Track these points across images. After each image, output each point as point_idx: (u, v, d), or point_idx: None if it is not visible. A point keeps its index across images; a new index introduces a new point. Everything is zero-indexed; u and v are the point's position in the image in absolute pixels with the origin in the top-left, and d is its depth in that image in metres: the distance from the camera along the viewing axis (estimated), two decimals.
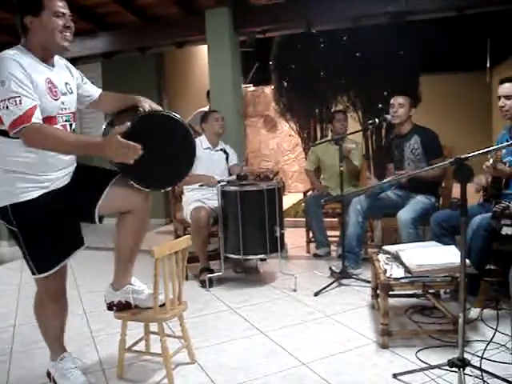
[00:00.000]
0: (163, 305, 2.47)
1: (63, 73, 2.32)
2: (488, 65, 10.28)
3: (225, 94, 5.28)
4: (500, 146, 2.17)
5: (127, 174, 2.29)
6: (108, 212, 2.42)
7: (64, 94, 2.27)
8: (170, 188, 2.45)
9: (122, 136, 2.07)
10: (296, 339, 2.98)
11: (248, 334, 3.10)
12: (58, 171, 2.27)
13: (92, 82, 2.57)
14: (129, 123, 2.15)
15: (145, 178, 2.32)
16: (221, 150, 4.41)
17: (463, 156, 2.00)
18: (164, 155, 2.29)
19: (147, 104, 2.36)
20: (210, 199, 4.19)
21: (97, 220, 2.38)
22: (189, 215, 4.12)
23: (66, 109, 2.27)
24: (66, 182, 2.33)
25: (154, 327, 2.66)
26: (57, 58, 2.31)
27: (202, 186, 4.17)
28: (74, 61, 6.44)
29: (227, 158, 4.37)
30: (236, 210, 3.81)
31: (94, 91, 2.54)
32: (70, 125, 2.31)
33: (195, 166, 4.26)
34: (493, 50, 10.10)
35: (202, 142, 4.44)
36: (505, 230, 1.81)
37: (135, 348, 2.68)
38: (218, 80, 5.31)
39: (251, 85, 10.03)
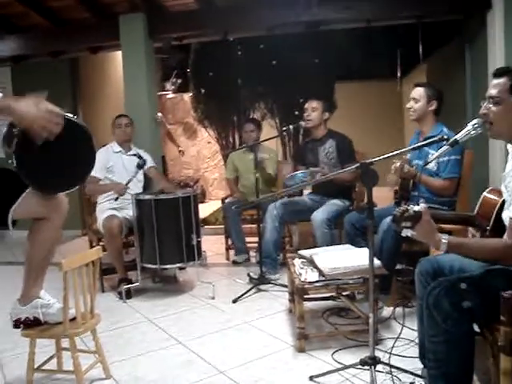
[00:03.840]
0: (74, 319, 2.37)
1: None
2: (399, 74, 10.77)
3: (140, 100, 5.18)
4: (401, 150, 2.26)
5: (26, 174, 2.17)
6: (22, 217, 2.31)
7: None
8: (69, 191, 2.35)
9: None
10: (214, 347, 2.96)
11: (165, 344, 3.04)
12: None
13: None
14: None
15: (42, 180, 2.22)
16: (134, 155, 4.32)
17: (368, 161, 2.06)
18: (63, 157, 2.20)
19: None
20: (125, 208, 4.10)
21: (10, 225, 2.26)
22: (101, 225, 4.01)
23: None
24: None
25: (66, 343, 2.55)
26: None
27: (116, 199, 4.05)
28: None
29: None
30: (151, 219, 3.74)
31: None
32: None
33: (108, 172, 4.20)
34: (403, 61, 10.59)
35: (112, 146, 4.38)
36: (405, 232, 1.87)
37: (46, 367, 2.55)
38: (133, 86, 5.21)
39: (170, 92, 9.93)
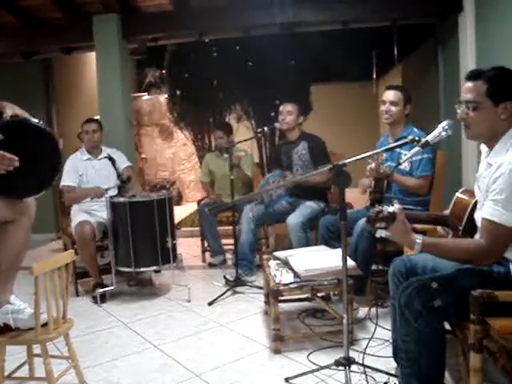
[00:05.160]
0: (46, 324, 2.33)
1: None
2: (374, 76, 10.87)
3: (114, 102, 5.12)
4: (373, 152, 2.27)
5: None
6: None
7: None
8: (38, 195, 2.37)
9: None
10: (189, 350, 2.94)
11: (141, 348, 3.01)
12: None
13: None
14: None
15: (9, 188, 2.23)
16: (105, 157, 4.27)
17: (341, 162, 2.07)
18: (27, 162, 2.20)
19: (10, 110, 2.24)
20: (99, 211, 4.06)
21: None
22: (73, 230, 3.96)
23: None
24: None
25: (38, 349, 2.50)
26: None
27: (92, 199, 4.02)
28: None
29: (114, 164, 4.23)
30: (126, 222, 3.71)
31: None
32: None
33: (80, 180, 4.15)
34: (378, 63, 10.70)
35: (80, 154, 4.32)
36: (379, 233, 1.88)
37: (17, 374, 2.50)
38: (107, 88, 5.15)
39: (146, 93, 9.88)
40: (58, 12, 5.19)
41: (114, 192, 4.09)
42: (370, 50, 10.69)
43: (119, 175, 4.21)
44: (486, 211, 1.88)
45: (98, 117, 5.50)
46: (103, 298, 3.88)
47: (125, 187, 4.00)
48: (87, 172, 4.21)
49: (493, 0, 3.99)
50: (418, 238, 1.93)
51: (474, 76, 1.97)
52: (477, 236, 2.07)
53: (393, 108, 3.46)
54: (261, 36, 5.76)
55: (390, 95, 3.49)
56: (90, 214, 4.05)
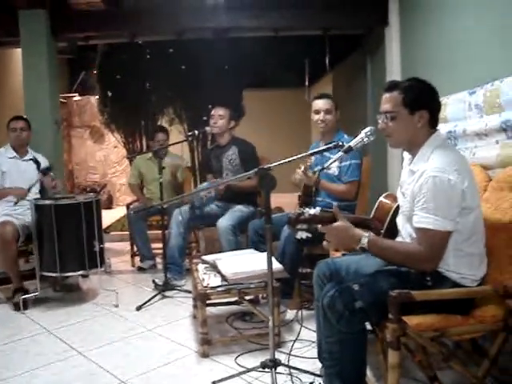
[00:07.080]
0: None
1: None
2: (307, 83, 11.09)
3: (41, 102, 4.94)
4: (299, 155, 2.31)
5: None
6: None
7: None
8: None
9: None
10: (116, 357, 2.87)
11: (65, 356, 2.91)
12: None
13: None
14: None
15: None
16: (31, 159, 4.10)
17: (266, 166, 2.10)
18: None
19: None
20: (22, 214, 3.89)
21: None
22: None
23: None
24: None
25: None
26: None
27: (16, 203, 3.86)
28: None
29: (38, 168, 4.09)
30: (51, 225, 3.59)
31: None
32: None
33: (1, 178, 3.98)
34: (310, 70, 10.91)
35: (6, 151, 4.14)
36: (299, 235, 1.93)
37: None
38: (33, 87, 4.95)
39: (76, 94, 9.61)
40: None
41: (36, 195, 3.95)
42: (303, 57, 10.89)
43: (42, 182, 4.06)
44: (419, 221, 1.93)
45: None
46: (25, 305, 3.72)
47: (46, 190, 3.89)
48: (11, 171, 4.03)
49: (416, 15, 4.20)
50: (365, 235, 2.01)
51: (390, 87, 2.07)
52: (398, 239, 2.16)
53: (328, 116, 3.52)
54: (195, 39, 5.75)
55: (323, 104, 3.54)
56: (12, 216, 3.87)
